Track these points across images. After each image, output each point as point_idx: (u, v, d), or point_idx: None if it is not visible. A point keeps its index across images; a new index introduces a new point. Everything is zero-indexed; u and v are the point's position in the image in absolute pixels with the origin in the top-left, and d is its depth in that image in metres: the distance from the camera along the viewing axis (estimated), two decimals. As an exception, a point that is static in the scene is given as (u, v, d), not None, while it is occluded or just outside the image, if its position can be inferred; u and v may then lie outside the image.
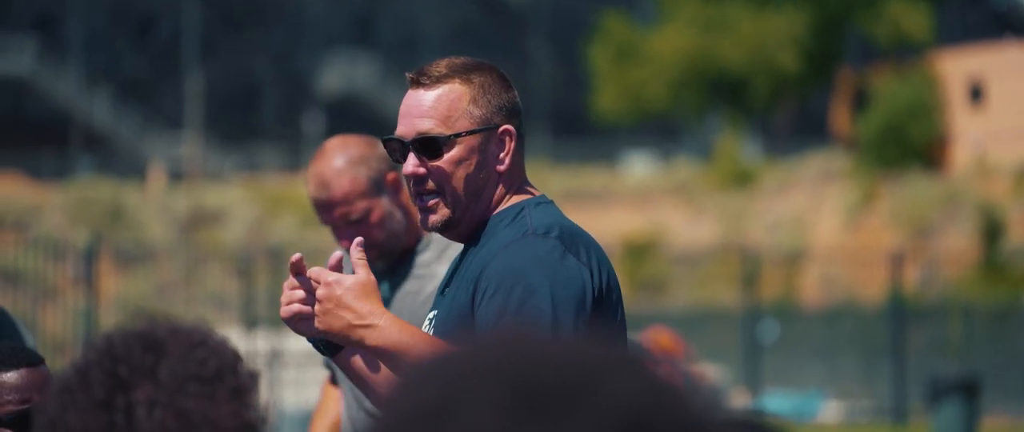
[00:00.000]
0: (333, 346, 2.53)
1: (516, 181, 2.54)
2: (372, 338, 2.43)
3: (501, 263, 2.43)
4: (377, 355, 2.45)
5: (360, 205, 3.37)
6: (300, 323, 2.49)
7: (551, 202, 2.57)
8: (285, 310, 2.50)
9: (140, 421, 1.51)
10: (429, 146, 2.51)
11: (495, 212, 2.53)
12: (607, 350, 1.02)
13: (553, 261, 2.42)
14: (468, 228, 2.54)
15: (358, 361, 2.54)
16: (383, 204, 3.38)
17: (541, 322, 2.39)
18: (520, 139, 2.55)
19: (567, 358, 1.01)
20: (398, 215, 3.41)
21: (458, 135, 2.52)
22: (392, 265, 3.47)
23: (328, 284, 2.46)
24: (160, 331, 1.54)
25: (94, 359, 1.54)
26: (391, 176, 3.39)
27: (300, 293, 2.48)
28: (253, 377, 1.54)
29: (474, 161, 2.51)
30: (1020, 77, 33.63)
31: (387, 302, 3.46)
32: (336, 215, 3.37)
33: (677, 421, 0.99)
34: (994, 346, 20.68)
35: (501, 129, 2.52)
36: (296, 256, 2.50)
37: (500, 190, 2.53)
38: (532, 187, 2.59)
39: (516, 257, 2.43)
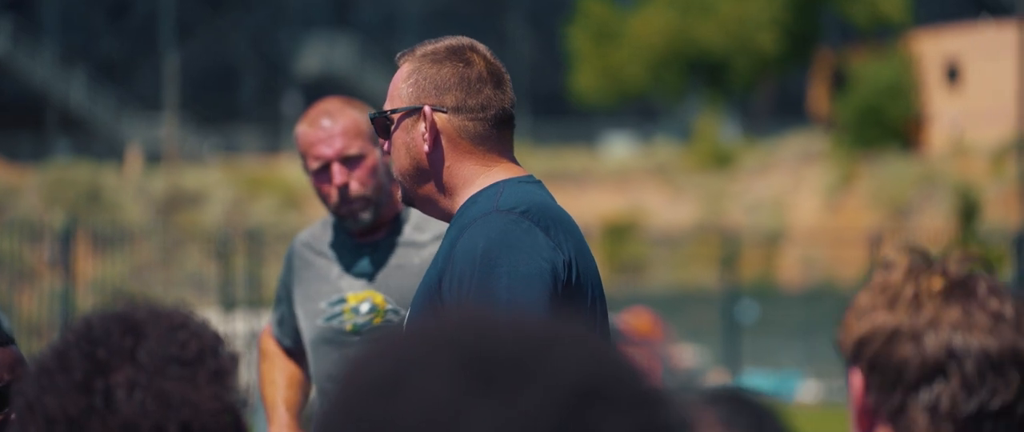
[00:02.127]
0: None
1: (487, 161, 2.52)
2: None
3: (465, 243, 2.43)
4: None
5: (359, 144, 3.42)
6: None
7: (536, 182, 2.56)
8: None
9: (119, 404, 1.50)
10: (375, 125, 2.60)
11: (474, 191, 2.52)
12: (558, 323, 1.03)
13: (514, 239, 2.41)
14: (426, 206, 2.55)
15: None
16: (377, 155, 3.44)
17: (498, 300, 2.38)
18: (484, 120, 2.51)
19: (518, 330, 1.02)
20: (384, 176, 3.45)
21: (382, 113, 2.56)
22: (373, 241, 3.47)
23: None
24: (140, 313, 1.53)
25: (73, 341, 1.53)
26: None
27: None
28: (234, 360, 1.53)
29: (403, 140, 2.53)
30: (996, 58, 33.75)
31: (370, 277, 3.46)
32: (336, 148, 3.41)
33: (627, 392, 1.00)
34: (971, 326, 20.78)
35: (424, 109, 2.51)
36: None
37: (466, 169, 2.51)
38: (518, 168, 2.56)
39: (478, 236, 2.42)
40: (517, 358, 0.99)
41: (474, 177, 2.52)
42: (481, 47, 2.57)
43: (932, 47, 35.06)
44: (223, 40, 42.90)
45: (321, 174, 3.44)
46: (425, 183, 2.53)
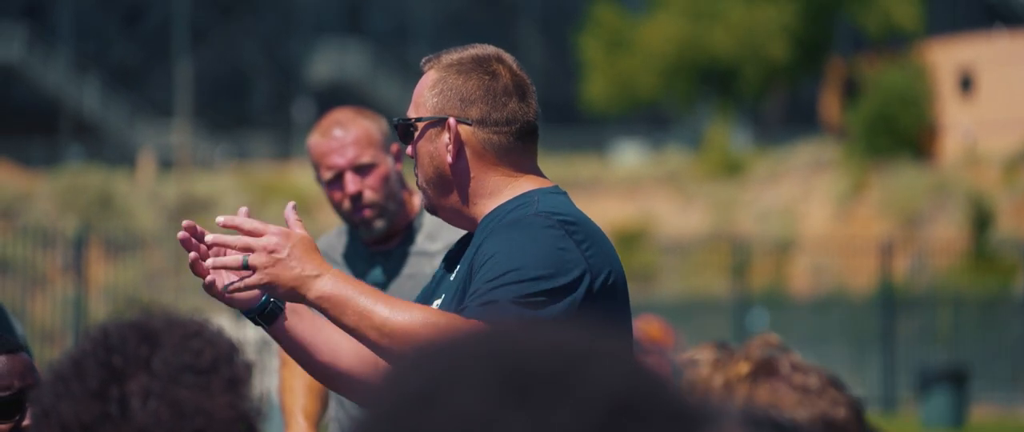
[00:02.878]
0: (270, 314, 2.48)
1: (512, 173, 2.52)
2: (319, 288, 2.37)
3: (499, 238, 2.43)
4: (322, 306, 2.38)
5: (371, 152, 3.44)
6: (232, 293, 2.42)
7: (564, 193, 2.56)
8: (218, 278, 2.42)
9: (134, 412, 1.51)
10: (398, 131, 2.60)
11: (502, 201, 2.51)
12: (594, 338, 1.04)
13: (548, 243, 2.41)
14: (451, 216, 2.55)
15: (297, 327, 2.48)
16: (389, 163, 3.46)
17: (525, 303, 2.37)
18: (509, 133, 2.51)
19: (554, 345, 1.02)
20: (396, 184, 3.46)
21: (406, 121, 2.55)
22: (386, 250, 3.49)
23: (283, 233, 2.41)
24: (155, 322, 1.54)
25: (89, 349, 1.54)
26: (395, 146, 3.50)
27: (233, 258, 2.40)
28: (248, 368, 1.54)
29: (427, 150, 2.52)
30: (1010, 67, 33.67)
31: (383, 286, 3.47)
32: (348, 157, 3.43)
33: (662, 408, 1.01)
34: (983, 335, 20.73)
35: (449, 120, 2.50)
36: (221, 219, 2.43)
37: (491, 181, 2.51)
38: (545, 180, 2.57)
39: (514, 234, 2.42)
40: (553, 372, 1.00)
41: (500, 188, 2.52)
42: (507, 57, 2.56)
43: (945, 56, 34.99)
44: (235, 47, 42.96)
45: (334, 183, 3.46)
46: (449, 193, 2.53)
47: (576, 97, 38.33)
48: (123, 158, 35.97)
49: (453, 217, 2.56)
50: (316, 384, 3.59)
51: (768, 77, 36.34)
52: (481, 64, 2.53)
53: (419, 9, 43.57)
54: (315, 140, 3.49)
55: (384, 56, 41.61)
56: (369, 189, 3.43)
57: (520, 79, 2.55)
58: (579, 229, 2.45)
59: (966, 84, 34.82)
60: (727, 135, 35.18)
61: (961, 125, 33.72)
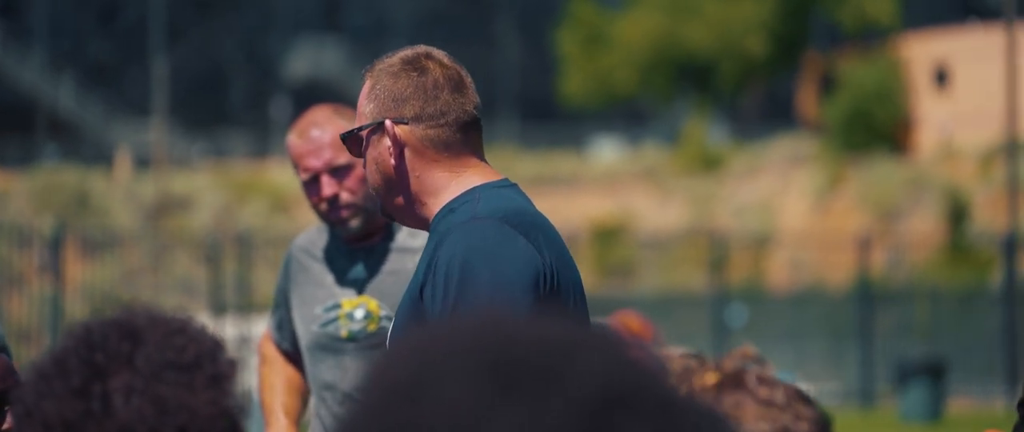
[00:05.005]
0: None
1: (456, 167, 2.53)
2: None
3: (445, 250, 2.44)
4: None
5: (347, 153, 3.43)
6: None
7: (512, 186, 2.56)
8: None
9: (116, 409, 1.51)
10: (347, 146, 2.64)
11: (449, 198, 2.53)
12: (582, 329, 1.03)
13: (494, 244, 2.42)
14: (403, 217, 2.58)
15: None
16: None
17: (480, 307, 2.38)
18: (445, 126, 2.52)
19: (543, 336, 1.02)
20: None
21: (349, 134, 2.60)
22: (367, 246, 3.49)
23: None
24: (138, 319, 1.54)
25: (71, 347, 1.54)
26: None
27: None
28: (232, 365, 1.54)
29: (373, 156, 2.56)
30: (985, 61, 33.81)
31: (364, 283, 3.47)
32: (324, 159, 3.42)
33: (650, 398, 1.01)
34: (960, 328, 20.82)
35: (385, 123, 2.53)
36: None
37: (436, 178, 2.53)
38: (492, 172, 2.57)
39: (458, 243, 2.43)
40: (542, 364, 0.99)
41: (446, 184, 2.53)
42: (437, 53, 2.58)
43: (920, 50, 35.11)
44: (212, 44, 42.83)
45: (311, 185, 3.46)
46: (398, 195, 2.55)
47: (553, 93, 38.33)
48: (99, 156, 35.83)
49: (406, 219, 2.58)
50: (296, 381, 3.59)
51: (745, 72, 36.41)
52: (410, 63, 2.56)
53: (396, 6, 43.51)
54: (292, 140, 3.49)
55: (361, 53, 41.53)
56: (346, 191, 3.42)
57: (452, 72, 2.56)
58: (522, 221, 2.46)
59: (941, 78, 34.95)
60: (704, 130, 35.24)
61: (937, 119, 33.85)
